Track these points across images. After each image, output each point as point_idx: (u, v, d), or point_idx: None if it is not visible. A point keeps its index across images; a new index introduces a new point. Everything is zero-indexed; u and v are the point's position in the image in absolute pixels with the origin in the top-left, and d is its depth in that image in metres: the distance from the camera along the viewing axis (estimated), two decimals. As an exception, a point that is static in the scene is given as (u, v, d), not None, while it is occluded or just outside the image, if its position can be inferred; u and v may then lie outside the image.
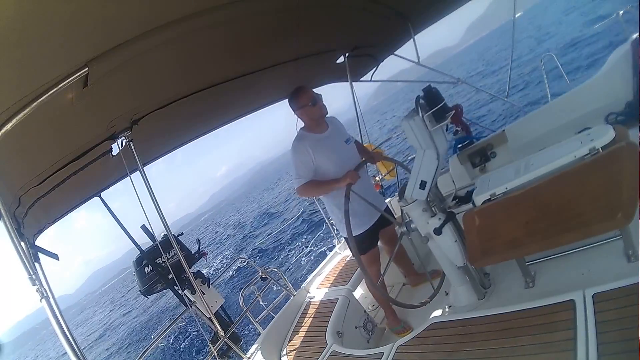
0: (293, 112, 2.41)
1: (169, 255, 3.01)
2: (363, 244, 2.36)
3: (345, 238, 2.64)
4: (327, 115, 2.40)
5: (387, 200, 3.93)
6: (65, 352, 1.32)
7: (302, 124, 2.42)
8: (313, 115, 2.33)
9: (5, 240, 1.55)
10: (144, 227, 2.94)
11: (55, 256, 1.98)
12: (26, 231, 2.02)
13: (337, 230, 3.12)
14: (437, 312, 2.27)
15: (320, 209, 3.53)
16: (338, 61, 3.22)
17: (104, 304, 59.62)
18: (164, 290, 3.12)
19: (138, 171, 2.34)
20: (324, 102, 2.35)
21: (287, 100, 2.45)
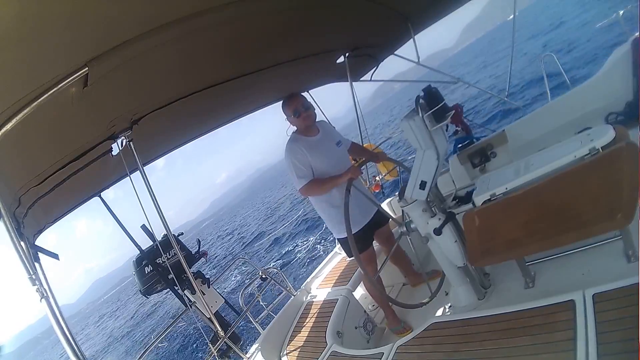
0: (286, 118, 2.45)
1: (169, 255, 3.00)
2: (357, 244, 2.36)
3: (338, 239, 2.63)
4: (318, 120, 2.46)
5: (387, 201, 3.94)
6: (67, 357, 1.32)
7: (293, 130, 2.45)
8: (306, 119, 2.38)
9: (5, 240, 1.55)
10: (144, 227, 2.94)
11: (55, 256, 1.98)
12: (26, 231, 2.02)
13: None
14: (437, 312, 2.27)
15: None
16: (338, 61, 3.22)
17: (106, 313, 59.32)
18: (164, 291, 3.12)
19: (138, 171, 2.35)
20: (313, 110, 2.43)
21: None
